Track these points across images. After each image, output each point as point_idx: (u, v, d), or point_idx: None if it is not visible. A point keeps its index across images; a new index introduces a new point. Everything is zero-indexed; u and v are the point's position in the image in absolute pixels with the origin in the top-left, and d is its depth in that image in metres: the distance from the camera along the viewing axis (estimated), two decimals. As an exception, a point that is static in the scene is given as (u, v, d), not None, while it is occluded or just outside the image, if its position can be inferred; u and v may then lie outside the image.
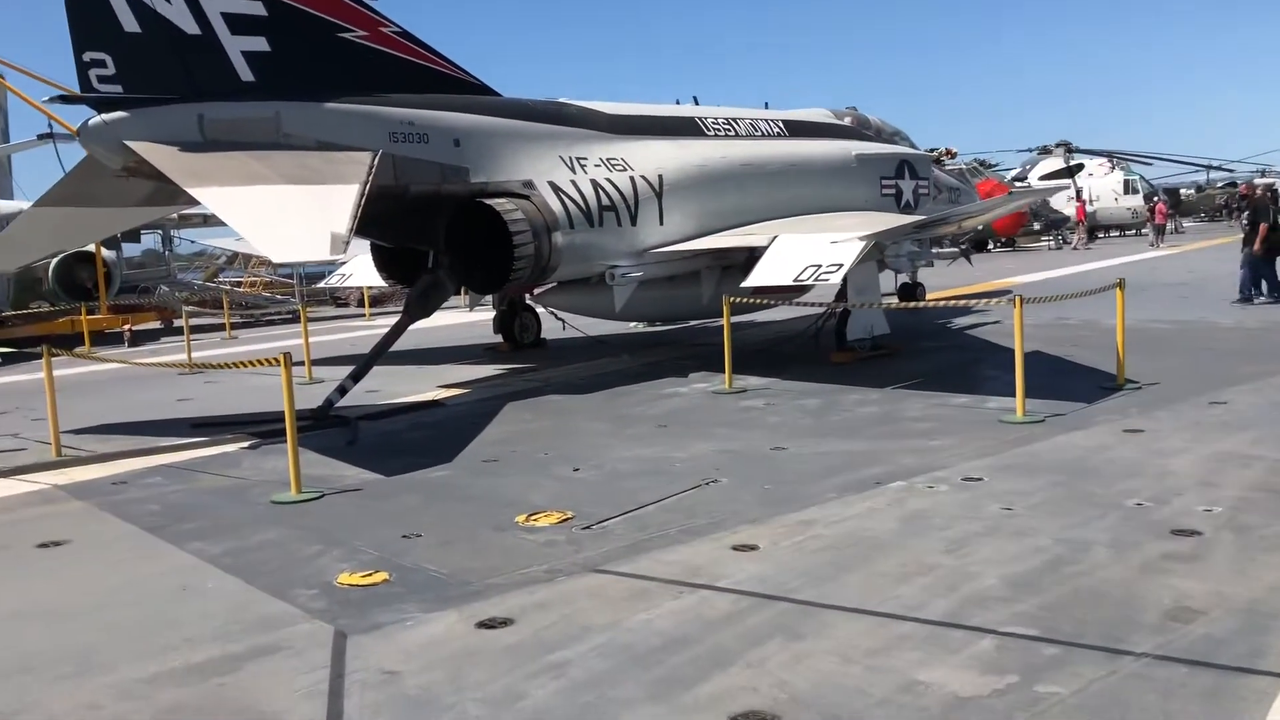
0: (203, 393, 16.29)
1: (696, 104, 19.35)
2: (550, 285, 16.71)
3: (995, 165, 63.52)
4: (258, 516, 8.72)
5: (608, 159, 16.20)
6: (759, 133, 19.24)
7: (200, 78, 12.18)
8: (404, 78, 14.15)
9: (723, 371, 14.13)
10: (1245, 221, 21.56)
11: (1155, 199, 57.20)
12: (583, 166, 15.78)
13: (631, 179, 16.18)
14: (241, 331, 29.73)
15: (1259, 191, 22.62)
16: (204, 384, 17.13)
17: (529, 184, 14.98)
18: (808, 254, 13.78)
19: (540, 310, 19.26)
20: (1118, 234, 61.43)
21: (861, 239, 13.43)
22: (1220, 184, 77.56)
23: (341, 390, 13.21)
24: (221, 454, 11.51)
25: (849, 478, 8.86)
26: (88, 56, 11.35)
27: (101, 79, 11.45)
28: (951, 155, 31.44)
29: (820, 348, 16.54)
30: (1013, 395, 11.07)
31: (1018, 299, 11.00)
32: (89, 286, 29.20)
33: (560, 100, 16.67)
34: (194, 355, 21.46)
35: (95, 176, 12.28)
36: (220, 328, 29.38)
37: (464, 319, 24.26)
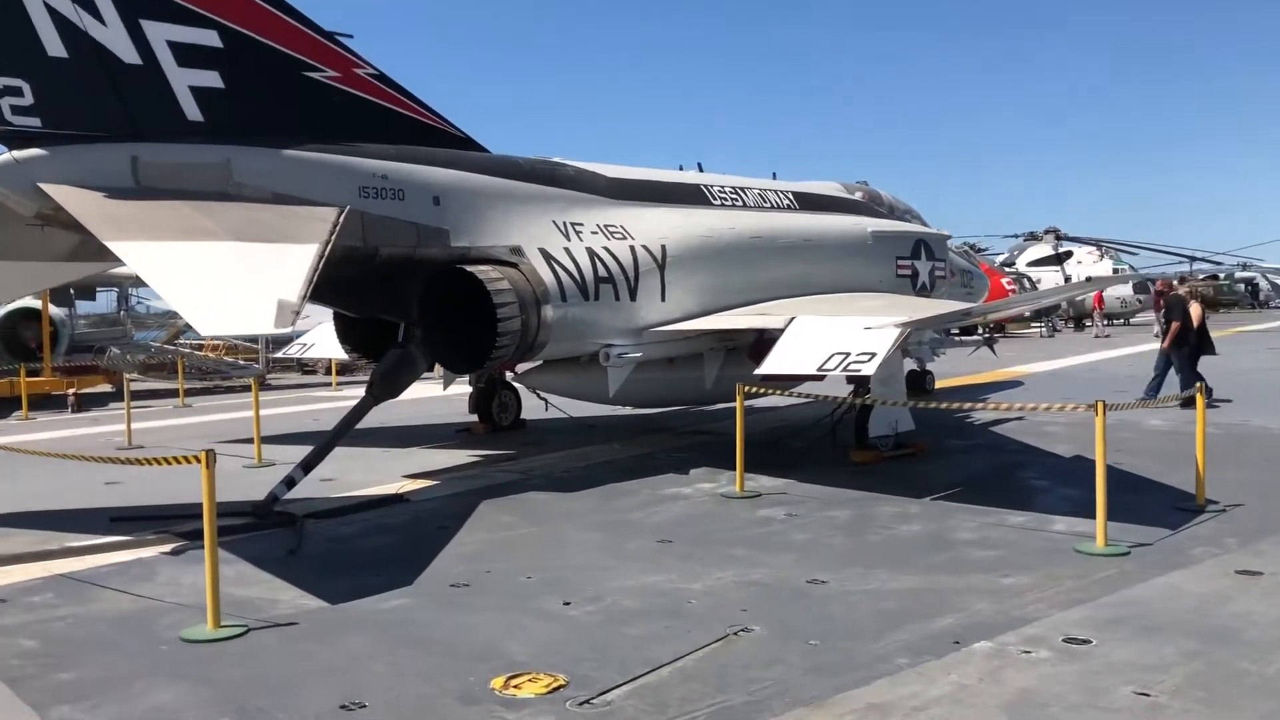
0: (135, 475, 14.18)
1: (701, 170, 17.75)
2: (536, 364, 14.87)
3: (985, 250, 62.82)
4: (158, 663, 6.79)
5: (606, 226, 14.46)
6: (768, 204, 17.62)
7: (138, 114, 10.41)
8: (379, 126, 12.46)
9: (727, 467, 12.36)
10: (1162, 319, 21.14)
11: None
12: (578, 233, 14.03)
13: (632, 249, 14.43)
14: (197, 399, 27.61)
15: (1173, 289, 22.14)
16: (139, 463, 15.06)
17: (517, 250, 13.22)
18: (834, 339, 12.04)
19: (521, 388, 17.39)
20: (1105, 323, 60.55)
21: (898, 326, 11.70)
22: (1202, 276, 77.60)
23: (289, 482, 11.27)
24: (137, 560, 9.61)
25: (916, 632, 7.01)
26: (1, 83, 9.58)
27: (16, 109, 9.63)
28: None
29: (837, 443, 14.75)
30: (1077, 514, 9.64)
31: (1099, 404, 9.28)
32: (33, 346, 27.15)
33: (555, 159, 14.97)
34: (140, 425, 19.37)
35: (5, 224, 10.40)
36: (174, 393, 27.27)
37: (436, 393, 22.34)
